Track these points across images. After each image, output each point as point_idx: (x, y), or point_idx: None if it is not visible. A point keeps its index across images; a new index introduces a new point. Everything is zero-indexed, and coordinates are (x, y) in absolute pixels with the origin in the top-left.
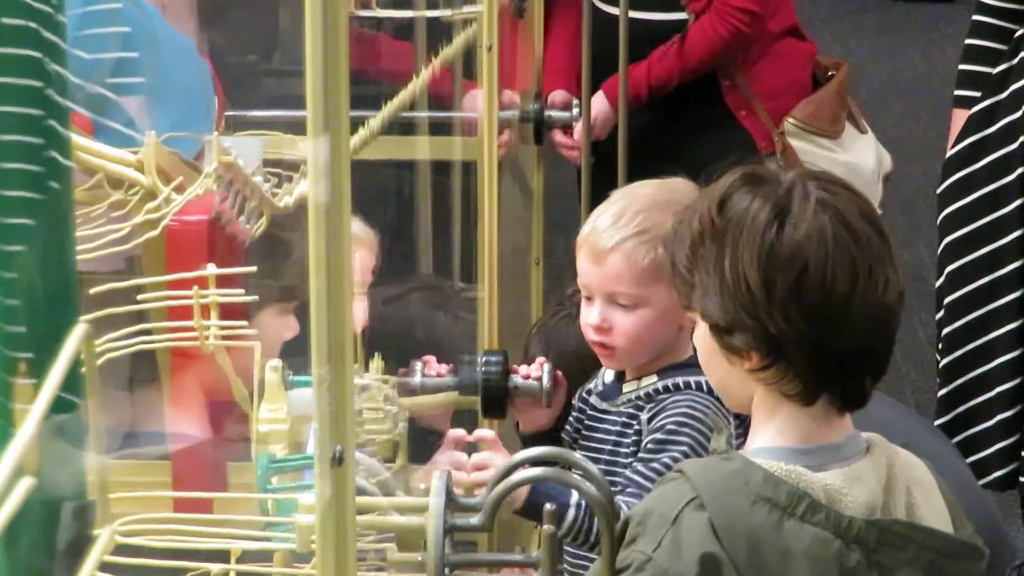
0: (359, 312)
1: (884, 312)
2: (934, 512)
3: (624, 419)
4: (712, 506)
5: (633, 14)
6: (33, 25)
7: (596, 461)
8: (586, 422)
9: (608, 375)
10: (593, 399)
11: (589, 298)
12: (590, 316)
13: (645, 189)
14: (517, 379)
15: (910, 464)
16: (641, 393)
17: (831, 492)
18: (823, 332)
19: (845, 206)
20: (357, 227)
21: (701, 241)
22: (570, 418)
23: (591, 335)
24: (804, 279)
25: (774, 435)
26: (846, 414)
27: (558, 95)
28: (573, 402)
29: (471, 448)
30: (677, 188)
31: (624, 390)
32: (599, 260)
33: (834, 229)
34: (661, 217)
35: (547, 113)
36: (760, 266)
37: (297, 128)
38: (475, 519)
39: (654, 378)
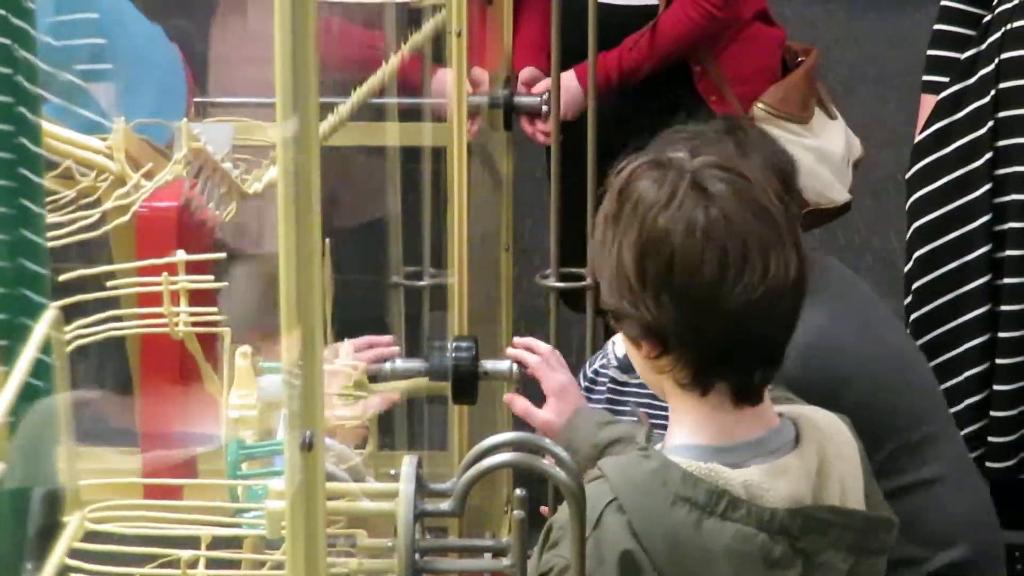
0: None
1: (765, 302)
2: (859, 491)
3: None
4: (630, 508)
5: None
6: (1, 12)
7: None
8: (609, 396)
9: (619, 348)
10: (612, 372)
11: None
12: None
13: None
14: (487, 364)
15: (840, 455)
16: None
17: (751, 488)
18: (694, 320)
19: (736, 196)
20: None
21: (604, 223)
22: (593, 397)
23: None
24: (672, 267)
25: (691, 432)
26: (769, 407)
27: (527, 72)
28: (581, 381)
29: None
30: None
31: None
32: None
33: (708, 219)
34: None
35: (516, 99)
36: (635, 252)
37: (267, 115)
38: (445, 505)
39: None
